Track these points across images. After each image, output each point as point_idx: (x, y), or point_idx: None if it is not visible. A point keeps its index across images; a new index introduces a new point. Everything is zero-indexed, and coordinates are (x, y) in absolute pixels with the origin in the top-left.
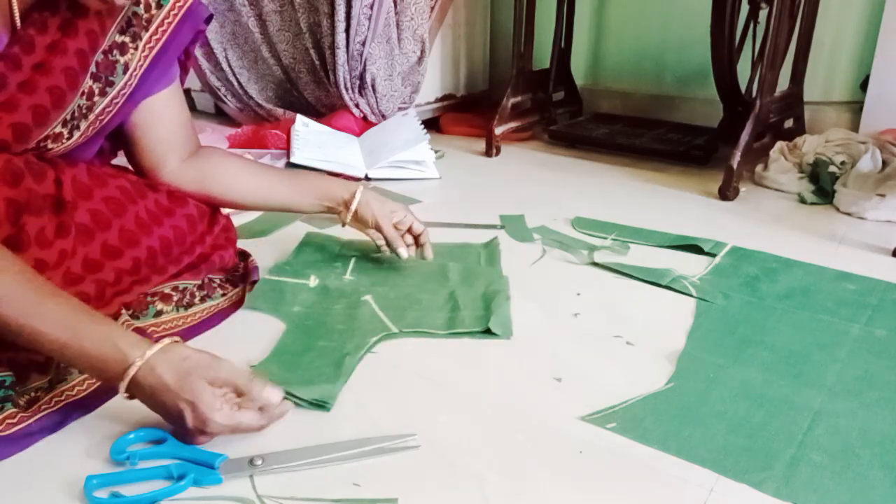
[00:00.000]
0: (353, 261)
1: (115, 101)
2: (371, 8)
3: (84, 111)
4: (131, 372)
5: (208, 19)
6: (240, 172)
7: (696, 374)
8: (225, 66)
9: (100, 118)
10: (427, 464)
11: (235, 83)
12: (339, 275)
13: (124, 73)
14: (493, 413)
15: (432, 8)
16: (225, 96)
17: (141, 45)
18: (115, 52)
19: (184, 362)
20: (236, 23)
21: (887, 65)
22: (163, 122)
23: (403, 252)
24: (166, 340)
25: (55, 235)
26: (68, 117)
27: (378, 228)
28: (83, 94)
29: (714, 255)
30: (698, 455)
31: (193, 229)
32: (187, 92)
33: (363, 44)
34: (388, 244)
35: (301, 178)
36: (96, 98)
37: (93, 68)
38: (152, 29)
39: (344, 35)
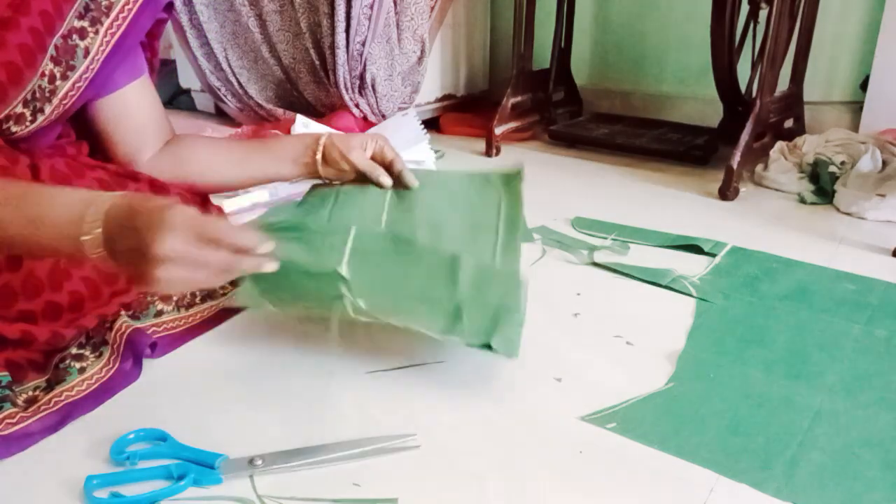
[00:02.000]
0: (350, 242)
1: (77, 85)
2: (371, 8)
3: (47, 94)
4: (106, 203)
5: (168, 7)
6: (213, 151)
7: (696, 374)
8: (225, 66)
9: (63, 102)
10: (427, 464)
11: (235, 83)
12: (333, 261)
13: (85, 57)
14: (493, 413)
15: (432, 8)
16: (225, 96)
17: (102, 30)
18: (74, 36)
19: (163, 199)
20: (236, 23)
21: (887, 65)
22: (136, 114)
23: (385, 180)
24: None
25: None
26: (29, 97)
27: (351, 164)
28: (43, 75)
29: (714, 255)
30: (698, 455)
31: None
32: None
33: (363, 44)
34: (368, 176)
35: (273, 143)
36: (58, 82)
37: (52, 52)
38: (113, 15)
39: (344, 35)
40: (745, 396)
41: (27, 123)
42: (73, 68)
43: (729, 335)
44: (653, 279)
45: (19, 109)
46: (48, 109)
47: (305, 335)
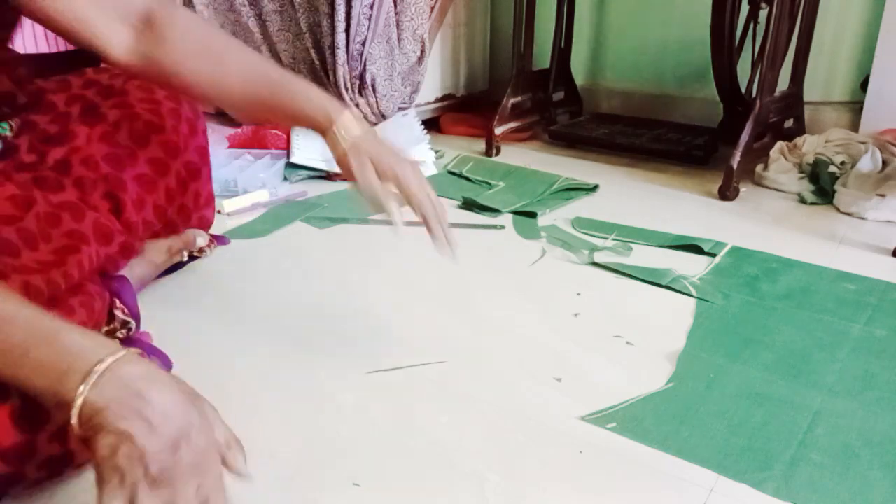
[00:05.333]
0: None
1: None
2: (371, 8)
3: None
4: (107, 361)
5: None
6: (221, 61)
7: (696, 374)
8: None
9: None
10: (427, 464)
11: None
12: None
13: None
14: (493, 413)
15: (432, 8)
16: None
17: None
18: None
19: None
20: (236, 23)
21: (887, 65)
22: None
23: (396, 215)
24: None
25: None
26: None
27: (345, 168)
28: None
29: (714, 255)
30: (698, 455)
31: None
32: None
33: (363, 44)
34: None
35: (294, 93)
36: None
37: None
38: None
39: (344, 35)
40: (745, 396)
41: None
42: None
43: (729, 335)
44: (653, 279)
45: None
46: None
47: (305, 335)
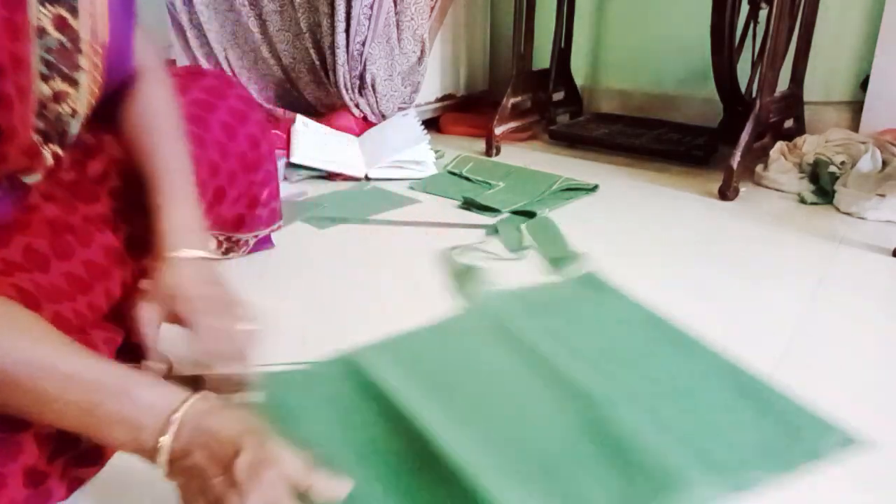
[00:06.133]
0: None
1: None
2: (371, 8)
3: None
4: (184, 408)
5: None
6: (156, 132)
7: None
8: (225, 65)
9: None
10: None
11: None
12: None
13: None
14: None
15: (432, 8)
16: None
17: None
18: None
19: (248, 419)
20: (236, 23)
21: (887, 65)
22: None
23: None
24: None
25: None
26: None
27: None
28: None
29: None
30: None
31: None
32: None
33: (363, 44)
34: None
35: (162, 195)
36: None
37: (44, 55)
38: None
39: (344, 35)
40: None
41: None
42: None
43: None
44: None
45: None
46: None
47: (305, 335)
